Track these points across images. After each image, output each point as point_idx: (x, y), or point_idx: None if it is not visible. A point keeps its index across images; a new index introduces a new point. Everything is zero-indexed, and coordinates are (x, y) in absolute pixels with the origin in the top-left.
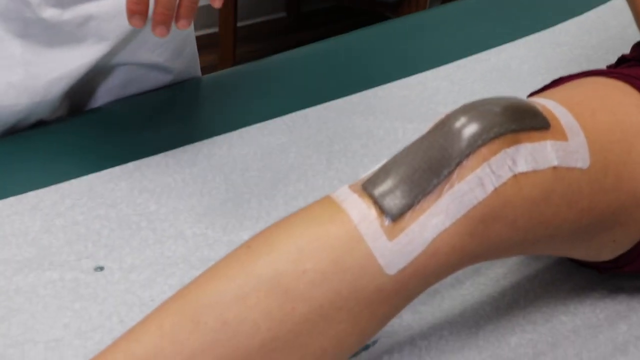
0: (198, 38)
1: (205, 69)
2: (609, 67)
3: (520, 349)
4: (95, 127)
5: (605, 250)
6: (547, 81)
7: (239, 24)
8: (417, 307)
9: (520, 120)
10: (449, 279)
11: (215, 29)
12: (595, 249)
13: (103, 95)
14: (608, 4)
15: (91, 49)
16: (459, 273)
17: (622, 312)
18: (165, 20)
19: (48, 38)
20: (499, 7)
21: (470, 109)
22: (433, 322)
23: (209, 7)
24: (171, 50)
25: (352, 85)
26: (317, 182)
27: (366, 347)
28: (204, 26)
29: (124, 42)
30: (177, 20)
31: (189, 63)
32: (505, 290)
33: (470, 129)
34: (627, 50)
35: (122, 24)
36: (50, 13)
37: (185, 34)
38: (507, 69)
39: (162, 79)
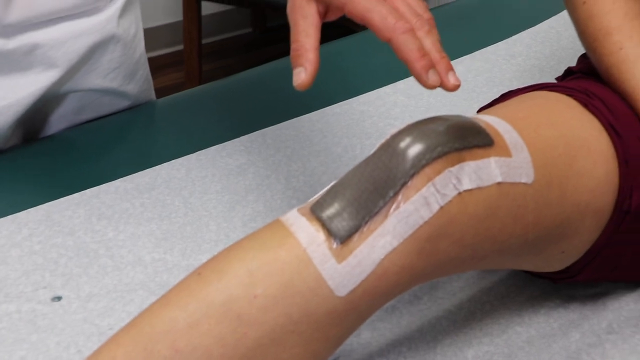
0: (163, 56)
1: (171, 87)
2: (557, 78)
3: None
4: (50, 155)
5: (554, 262)
6: (503, 92)
7: (204, 41)
8: (376, 324)
9: (463, 138)
10: (406, 295)
11: (180, 47)
12: (544, 261)
13: (57, 122)
14: (560, 14)
15: (40, 76)
16: (416, 288)
17: (575, 320)
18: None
19: None
20: (455, 20)
21: (414, 129)
22: (392, 338)
23: (172, 25)
24: (123, 74)
25: (310, 103)
26: (276, 203)
27: None
28: (168, 44)
29: (75, 68)
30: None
31: (143, 86)
32: (462, 303)
33: (414, 149)
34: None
35: (71, 51)
36: None
37: (137, 57)
38: (463, 81)
39: (117, 104)
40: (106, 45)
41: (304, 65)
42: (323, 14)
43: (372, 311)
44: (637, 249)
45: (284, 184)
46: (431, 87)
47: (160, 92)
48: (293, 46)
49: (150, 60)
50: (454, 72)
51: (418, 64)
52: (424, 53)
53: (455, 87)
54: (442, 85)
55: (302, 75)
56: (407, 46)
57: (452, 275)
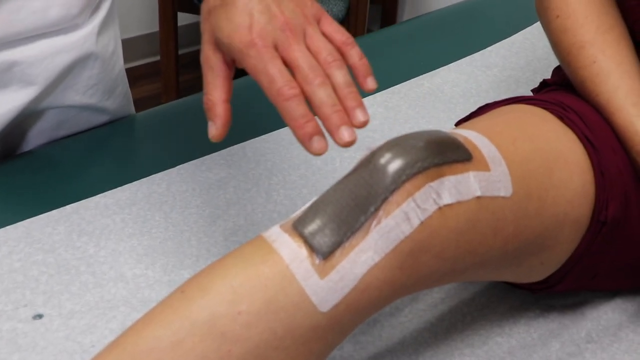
0: (140, 67)
1: (149, 98)
2: (533, 90)
3: None
4: (29, 171)
5: (534, 273)
6: (479, 103)
7: (181, 52)
8: (358, 337)
9: (442, 153)
10: (387, 308)
11: (157, 58)
12: (524, 273)
13: (35, 138)
14: (534, 25)
15: (18, 93)
16: (398, 301)
17: (555, 330)
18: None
19: None
20: (431, 32)
21: (394, 145)
22: (374, 351)
23: (149, 36)
24: (102, 90)
25: None
26: (257, 217)
27: None
28: (145, 55)
29: (53, 85)
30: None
31: (122, 102)
32: (443, 315)
33: (394, 165)
34: (551, 71)
35: (49, 68)
36: None
37: (116, 73)
38: (440, 93)
39: (96, 119)
40: (85, 62)
41: (213, 120)
42: (232, 63)
43: (354, 325)
44: (614, 259)
45: (265, 197)
46: (316, 154)
47: (137, 103)
48: (204, 99)
49: (127, 71)
50: (349, 126)
51: (300, 132)
52: (307, 119)
53: (349, 143)
54: (335, 141)
55: (212, 130)
56: (290, 114)
57: (433, 287)
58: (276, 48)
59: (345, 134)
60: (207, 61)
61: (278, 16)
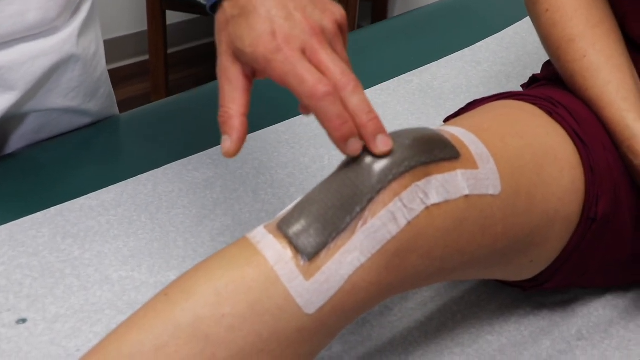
0: (129, 67)
1: (138, 98)
2: (523, 86)
3: None
4: (12, 173)
5: (524, 271)
6: (469, 99)
7: (170, 50)
8: (346, 337)
9: (429, 152)
10: (377, 307)
11: (145, 57)
12: (514, 271)
13: (16, 141)
14: (524, 20)
15: None
16: (387, 300)
17: (545, 327)
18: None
19: None
20: (421, 27)
21: None
22: (363, 351)
23: (137, 35)
24: (84, 93)
25: (277, 114)
26: (244, 216)
27: None
28: (134, 54)
29: (34, 90)
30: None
31: (105, 103)
32: (432, 314)
33: (380, 164)
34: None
35: (29, 73)
36: None
37: (98, 75)
38: (430, 89)
39: (77, 121)
40: (65, 65)
41: (229, 133)
42: (251, 74)
43: (341, 327)
44: (603, 255)
45: (252, 196)
46: (352, 154)
47: (126, 102)
48: (219, 112)
49: (115, 70)
50: (385, 135)
51: (336, 134)
52: (344, 120)
53: (385, 153)
54: (370, 150)
55: (227, 144)
56: (326, 114)
57: (422, 287)
58: (303, 53)
59: (380, 143)
60: (225, 73)
61: (303, 22)
